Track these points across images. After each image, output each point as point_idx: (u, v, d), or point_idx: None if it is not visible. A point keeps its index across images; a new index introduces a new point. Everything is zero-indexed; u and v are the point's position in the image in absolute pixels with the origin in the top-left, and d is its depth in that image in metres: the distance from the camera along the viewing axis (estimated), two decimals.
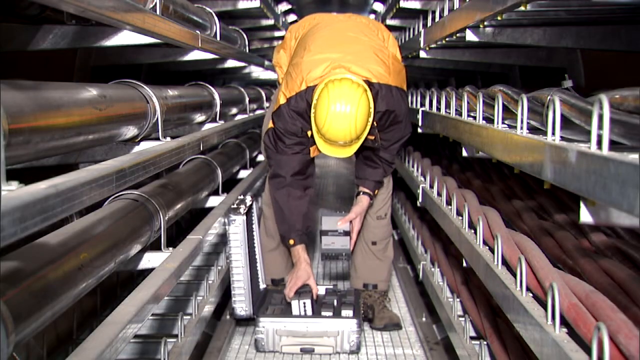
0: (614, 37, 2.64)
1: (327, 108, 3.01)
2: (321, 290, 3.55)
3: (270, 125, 3.35)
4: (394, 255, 3.83)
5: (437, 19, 3.34)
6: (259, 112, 5.40)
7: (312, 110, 3.09)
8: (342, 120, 3.00)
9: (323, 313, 3.22)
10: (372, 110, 3.08)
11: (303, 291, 3.26)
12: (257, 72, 6.69)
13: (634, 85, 1.49)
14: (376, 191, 3.53)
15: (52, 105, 1.70)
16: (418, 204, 3.75)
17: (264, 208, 3.68)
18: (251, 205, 3.52)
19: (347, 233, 3.44)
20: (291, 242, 3.33)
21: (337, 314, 3.24)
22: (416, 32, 4.07)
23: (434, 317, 3.52)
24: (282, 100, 3.27)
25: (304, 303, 3.22)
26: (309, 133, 3.24)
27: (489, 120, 2.37)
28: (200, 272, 3.72)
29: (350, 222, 3.45)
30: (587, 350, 1.40)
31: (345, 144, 3.09)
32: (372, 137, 3.20)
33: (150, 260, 2.51)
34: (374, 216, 3.65)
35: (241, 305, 3.28)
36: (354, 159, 3.63)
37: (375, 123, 3.17)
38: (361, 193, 3.50)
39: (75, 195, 1.47)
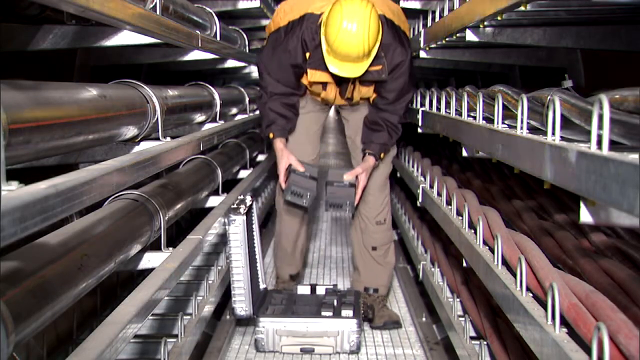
0: (614, 37, 2.64)
1: (339, 22, 3.15)
2: (321, 290, 3.55)
3: (269, 31, 3.57)
4: (395, 260, 3.85)
5: (437, 19, 3.34)
6: (259, 112, 5.40)
7: (322, 29, 3.26)
8: (353, 34, 3.14)
9: (323, 313, 3.23)
10: (381, 28, 3.25)
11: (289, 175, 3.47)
12: (257, 72, 6.68)
13: (634, 85, 1.49)
14: (382, 154, 3.59)
15: (52, 105, 1.69)
16: (418, 204, 3.75)
17: (282, 213, 3.78)
18: (251, 205, 3.52)
19: (352, 185, 3.47)
20: (271, 135, 3.57)
21: (337, 314, 3.24)
22: (416, 32, 4.07)
23: (434, 317, 3.52)
24: (283, 23, 3.46)
25: (298, 193, 3.39)
26: (307, 55, 3.38)
27: (489, 120, 2.37)
28: (200, 272, 3.72)
29: (357, 177, 3.51)
30: (587, 350, 1.40)
31: (355, 59, 3.20)
32: (379, 67, 3.33)
33: (150, 260, 2.51)
34: (373, 221, 3.67)
35: (241, 305, 3.28)
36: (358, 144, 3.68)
37: (382, 53, 3.31)
38: (367, 154, 3.58)
39: (75, 195, 1.47)
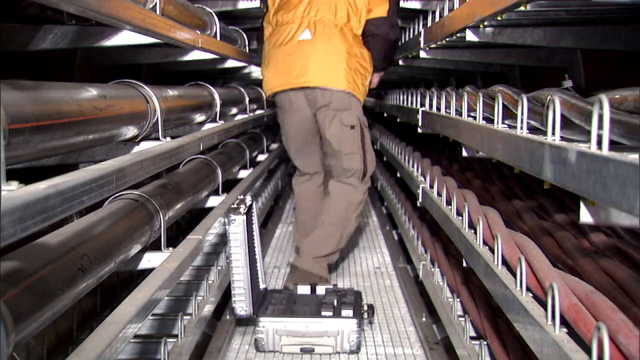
0: (614, 37, 2.64)
1: None
2: (321, 291, 3.55)
3: None
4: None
5: (437, 19, 3.34)
6: (259, 112, 5.40)
7: None
8: None
9: (323, 313, 3.23)
10: None
11: None
12: (257, 72, 6.66)
13: (634, 85, 1.49)
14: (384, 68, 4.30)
15: (52, 105, 1.69)
16: (418, 204, 3.75)
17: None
18: (251, 205, 3.52)
19: None
20: None
21: (337, 314, 3.25)
22: (416, 32, 4.07)
23: (434, 317, 3.52)
24: None
25: None
26: None
27: (489, 120, 2.37)
28: (200, 272, 3.72)
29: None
30: (587, 350, 1.40)
31: None
32: None
33: (150, 260, 2.51)
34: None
35: (241, 305, 3.28)
36: None
37: None
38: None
39: (75, 195, 1.47)
